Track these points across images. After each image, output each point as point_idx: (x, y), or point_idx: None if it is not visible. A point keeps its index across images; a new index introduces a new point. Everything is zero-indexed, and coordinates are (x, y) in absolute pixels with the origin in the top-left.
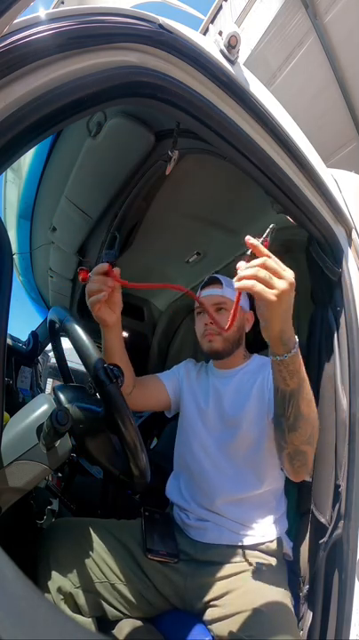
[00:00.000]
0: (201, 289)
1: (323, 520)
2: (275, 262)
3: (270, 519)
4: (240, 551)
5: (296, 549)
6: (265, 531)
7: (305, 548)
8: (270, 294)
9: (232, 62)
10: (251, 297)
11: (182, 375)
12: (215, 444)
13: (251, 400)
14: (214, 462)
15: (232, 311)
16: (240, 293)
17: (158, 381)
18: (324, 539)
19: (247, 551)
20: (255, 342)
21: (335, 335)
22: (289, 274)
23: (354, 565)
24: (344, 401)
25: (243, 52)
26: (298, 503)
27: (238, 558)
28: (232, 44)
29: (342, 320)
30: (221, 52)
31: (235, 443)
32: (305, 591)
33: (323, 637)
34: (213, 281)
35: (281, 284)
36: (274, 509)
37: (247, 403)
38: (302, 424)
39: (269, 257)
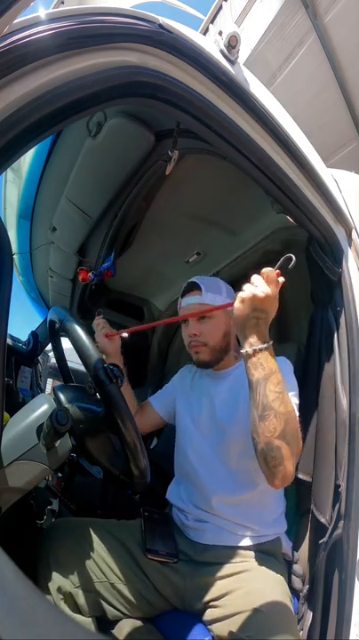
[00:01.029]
0: (181, 296)
1: (323, 520)
2: (259, 283)
3: (268, 519)
4: (239, 552)
5: (296, 549)
6: (263, 531)
7: (305, 548)
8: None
9: (232, 62)
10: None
11: (176, 387)
12: (209, 446)
13: (240, 402)
14: (208, 465)
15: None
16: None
17: (150, 408)
18: (324, 539)
19: (246, 552)
20: None
21: (335, 335)
22: (245, 293)
23: (354, 565)
24: (344, 401)
25: (243, 52)
26: (298, 503)
27: (237, 559)
28: (232, 44)
29: (342, 320)
30: (221, 52)
31: (227, 445)
32: (305, 591)
33: (323, 637)
34: (192, 287)
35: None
36: (272, 510)
37: (237, 405)
38: (271, 415)
39: (268, 279)
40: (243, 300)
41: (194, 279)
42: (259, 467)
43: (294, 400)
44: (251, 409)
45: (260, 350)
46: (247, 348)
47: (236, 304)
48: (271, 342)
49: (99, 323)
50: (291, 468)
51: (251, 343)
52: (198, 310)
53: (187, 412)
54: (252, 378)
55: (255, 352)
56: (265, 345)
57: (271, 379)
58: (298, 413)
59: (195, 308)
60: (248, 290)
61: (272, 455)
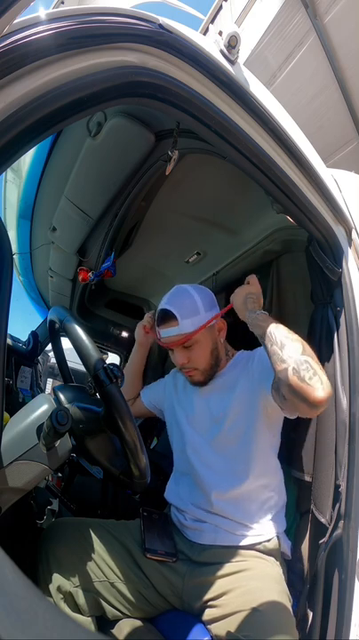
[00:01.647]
0: (157, 325)
1: (323, 520)
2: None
3: (267, 516)
4: (237, 551)
5: (296, 549)
6: (262, 529)
7: (305, 548)
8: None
9: (232, 62)
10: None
11: (168, 387)
12: (205, 442)
13: (236, 391)
14: (206, 461)
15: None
16: (202, 328)
17: (139, 401)
18: (324, 539)
19: (244, 551)
20: (253, 343)
21: (335, 335)
22: (236, 290)
23: (354, 565)
24: (344, 401)
25: (243, 52)
26: (297, 503)
27: (235, 558)
28: (232, 44)
29: (342, 320)
30: (221, 52)
31: (224, 437)
32: (305, 591)
33: (323, 637)
34: (167, 317)
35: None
36: (271, 505)
37: (233, 395)
38: (289, 341)
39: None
40: (237, 294)
41: (166, 306)
42: (296, 395)
43: None
44: (271, 350)
45: (262, 313)
46: (252, 315)
47: (234, 300)
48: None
49: (146, 316)
50: (327, 379)
51: (254, 311)
52: (180, 341)
53: (181, 413)
54: (263, 330)
55: (258, 315)
56: (264, 311)
57: (279, 325)
58: None
59: (178, 340)
60: (237, 288)
61: (304, 368)
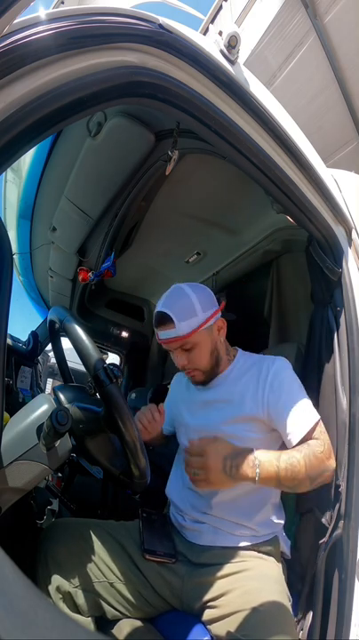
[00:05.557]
0: (155, 326)
1: (323, 520)
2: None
3: (267, 513)
4: (236, 552)
5: (296, 549)
6: (261, 530)
7: (305, 548)
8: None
9: (232, 62)
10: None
11: (172, 397)
12: None
13: (243, 409)
14: None
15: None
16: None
17: (165, 434)
18: (324, 539)
19: (243, 552)
20: (253, 343)
21: (335, 335)
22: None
23: (354, 565)
24: (344, 401)
25: (243, 52)
26: (297, 503)
27: (235, 559)
28: (232, 44)
29: (342, 320)
30: (221, 52)
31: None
32: (305, 591)
33: (323, 637)
34: (164, 320)
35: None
36: (270, 500)
37: (238, 411)
38: (295, 483)
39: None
40: (211, 459)
41: (162, 309)
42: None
43: (304, 397)
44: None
45: (259, 474)
46: (252, 484)
47: (210, 466)
48: (256, 456)
49: (148, 408)
50: (314, 480)
51: (250, 477)
52: (178, 344)
53: (188, 415)
54: (271, 486)
55: (258, 479)
56: (258, 470)
57: (281, 475)
58: (311, 406)
59: (176, 343)
60: (205, 449)
61: (298, 490)
